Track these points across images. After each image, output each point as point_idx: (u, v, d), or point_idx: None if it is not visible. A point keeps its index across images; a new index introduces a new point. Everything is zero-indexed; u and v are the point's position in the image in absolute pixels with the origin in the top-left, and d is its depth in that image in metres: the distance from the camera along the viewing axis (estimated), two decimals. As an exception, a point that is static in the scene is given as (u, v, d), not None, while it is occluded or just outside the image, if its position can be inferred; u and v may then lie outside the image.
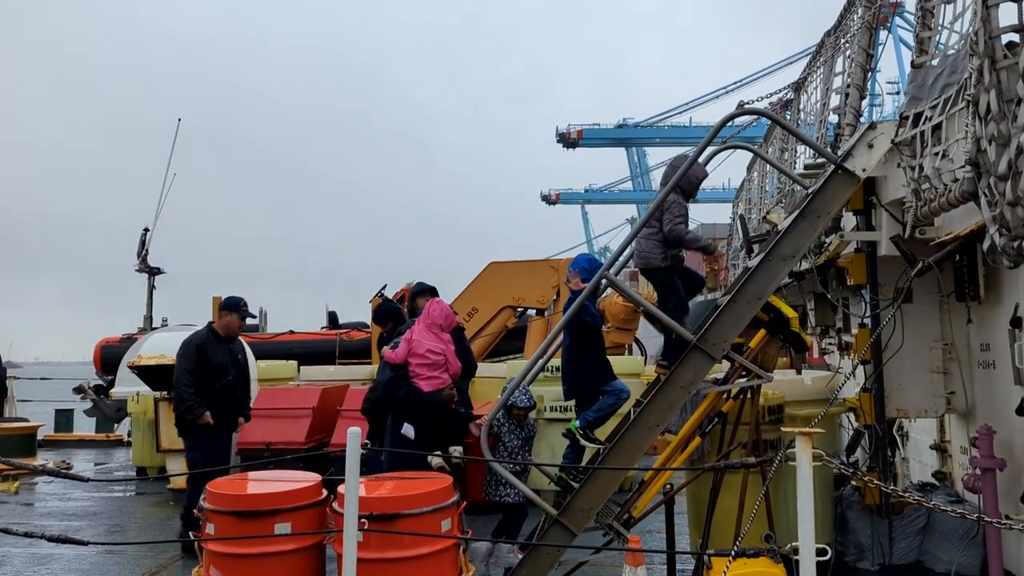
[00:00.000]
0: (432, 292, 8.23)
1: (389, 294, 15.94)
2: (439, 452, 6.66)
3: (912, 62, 5.93)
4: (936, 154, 5.19)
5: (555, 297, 14.08)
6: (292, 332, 17.54)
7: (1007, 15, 4.17)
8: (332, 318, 18.04)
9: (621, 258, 6.54)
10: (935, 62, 5.67)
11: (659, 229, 6.18)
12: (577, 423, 6.42)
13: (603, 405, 6.46)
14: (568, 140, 78.30)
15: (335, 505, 5.18)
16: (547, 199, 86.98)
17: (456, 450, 6.78)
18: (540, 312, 14.92)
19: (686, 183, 6.15)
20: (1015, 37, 4.10)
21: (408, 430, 6.73)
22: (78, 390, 16.74)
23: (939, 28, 5.84)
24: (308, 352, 15.67)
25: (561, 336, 6.48)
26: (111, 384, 15.97)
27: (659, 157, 79.40)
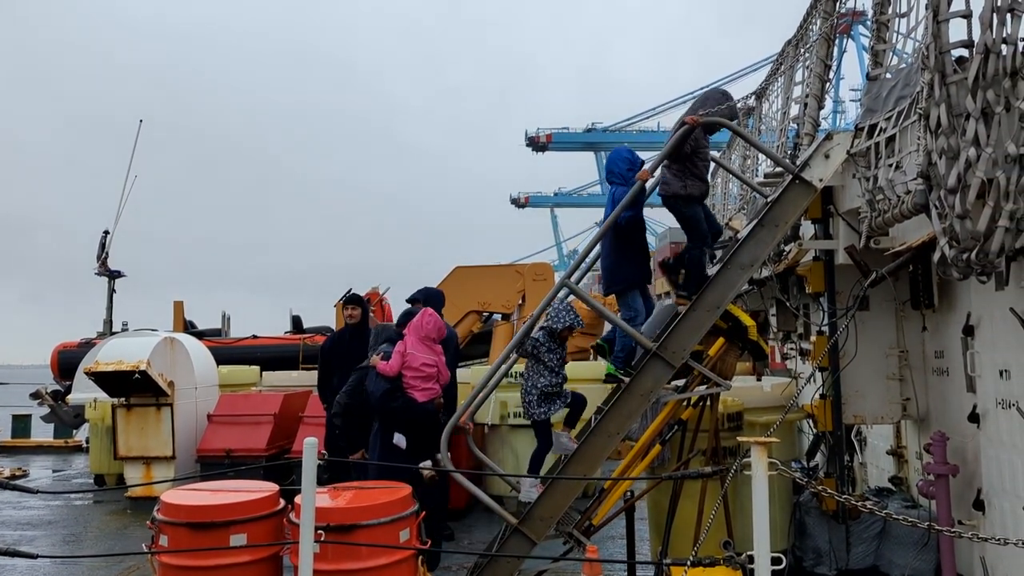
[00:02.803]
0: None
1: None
2: (415, 467, 6.63)
3: (867, 74, 6.03)
4: (890, 166, 5.27)
5: (520, 302, 14.12)
6: (255, 337, 17.37)
7: (957, 30, 4.25)
8: (296, 322, 17.90)
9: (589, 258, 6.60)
10: (890, 75, 5.76)
11: (678, 159, 6.16)
12: (613, 366, 6.32)
13: (625, 344, 6.33)
14: (537, 144, 78.47)
15: (292, 516, 5.13)
16: (516, 202, 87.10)
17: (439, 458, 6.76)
18: (505, 317, 14.93)
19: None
20: (965, 52, 4.17)
21: (400, 440, 6.76)
22: (35, 395, 16.43)
23: (894, 41, 5.94)
24: (271, 357, 15.54)
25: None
26: (68, 390, 15.70)
27: (627, 161, 79.71)
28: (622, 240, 6.29)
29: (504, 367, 6.60)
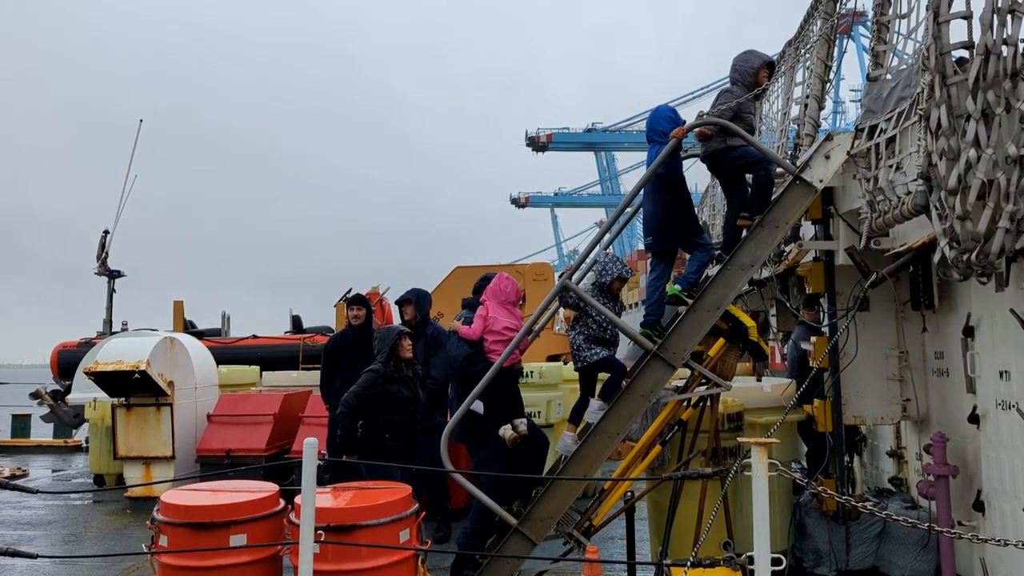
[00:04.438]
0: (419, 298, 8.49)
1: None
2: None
3: (868, 75, 6.03)
4: (890, 167, 5.27)
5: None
6: (255, 336, 17.37)
7: (958, 31, 4.26)
8: (296, 322, 17.90)
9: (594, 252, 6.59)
10: (890, 75, 5.75)
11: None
12: (677, 287, 6.28)
13: (702, 262, 6.35)
14: (537, 144, 78.57)
15: (292, 516, 5.13)
16: (516, 202, 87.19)
17: (521, 423, 6.74)
18: (506, 317, 14.89)
19: (748, 75, 6.26)
20: (965, 53, 4.17)
21: (478, 405, 6.74)
22: (35, 395, 16.43)
23: (894, 41, 5.94)
24: (271, 357, 15.53)
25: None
26: (68, 389, 15.70)
27: (627, 161, 80.00)
28: (667, 195, 6.25)
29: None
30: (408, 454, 7.03)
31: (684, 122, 6.31)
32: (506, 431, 6.53)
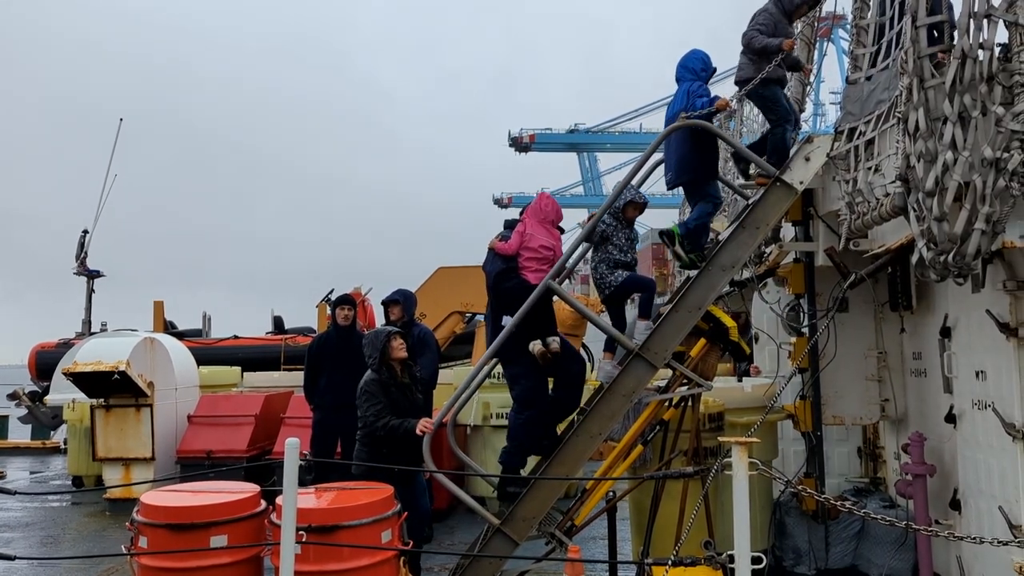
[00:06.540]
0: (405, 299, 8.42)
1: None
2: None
3: (847, 78, 6.09)
4: (869, 169, 5.33)
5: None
6: (236, 337, 17.27)
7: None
8: (277, 323, 17.82)
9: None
10: (869, 79, 5.82)
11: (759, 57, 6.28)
12: (679, 229, 6.37)
13: (702, 212, 6.40)
14: (520, 144, 78.67)
15: (273, 517, 5.11)
16: (499, 202, 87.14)
17: (553, 340, 6.65)
18: (488, 318, 14.88)
19: (789, 2, 6.30)
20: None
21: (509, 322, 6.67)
22: (12, 396, 16.27)
23: (872, 46, 6.00)
24: (252, 358, 15.46)
25: None
26: (46, 390, 15.56)
27: (610, 162, 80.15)
28: (696, 133, 6.26)
29: (487, 368, 6.61)
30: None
31: (714, 69, 6.42)
32: (535, 346, 6.32)
